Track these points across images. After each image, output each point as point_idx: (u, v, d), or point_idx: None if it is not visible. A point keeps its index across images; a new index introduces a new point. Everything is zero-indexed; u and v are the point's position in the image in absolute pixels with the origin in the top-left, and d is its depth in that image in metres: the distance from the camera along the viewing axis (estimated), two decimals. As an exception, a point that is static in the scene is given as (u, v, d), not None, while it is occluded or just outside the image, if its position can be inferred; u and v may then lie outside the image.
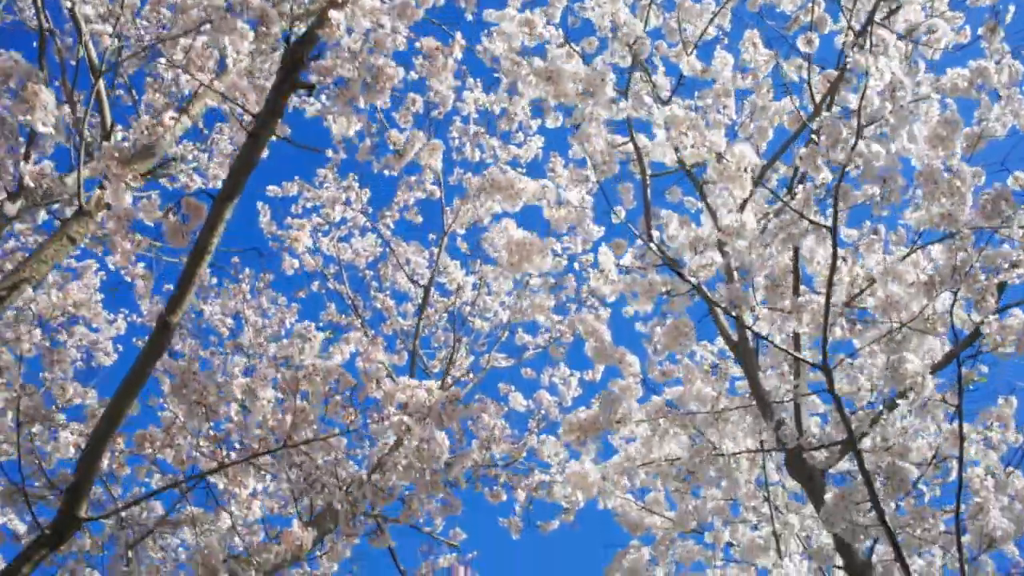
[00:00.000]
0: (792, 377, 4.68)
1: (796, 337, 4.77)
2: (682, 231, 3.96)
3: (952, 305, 4.09)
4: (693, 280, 3.88)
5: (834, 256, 4.01)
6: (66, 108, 4.69)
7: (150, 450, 3.71)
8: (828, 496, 3.90)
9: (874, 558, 4.92)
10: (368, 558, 9.13)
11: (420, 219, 8.30)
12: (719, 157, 3.95)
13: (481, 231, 8.61)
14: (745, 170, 4.01)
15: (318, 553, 5.44)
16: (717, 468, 4.38)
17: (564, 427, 4.25)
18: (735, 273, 4.27)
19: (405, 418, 3.66)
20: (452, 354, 7.18)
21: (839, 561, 5.16)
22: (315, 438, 3.68)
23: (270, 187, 8.35)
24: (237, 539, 4.18)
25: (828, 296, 3.97)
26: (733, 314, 3.97)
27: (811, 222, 3.98)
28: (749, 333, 4.43)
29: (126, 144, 4.73)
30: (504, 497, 7.22)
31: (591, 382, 9.10)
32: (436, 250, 7.86)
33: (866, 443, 4.18)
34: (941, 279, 4.00)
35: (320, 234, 8.89)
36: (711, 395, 4.07)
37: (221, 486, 4.08)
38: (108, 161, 3.69)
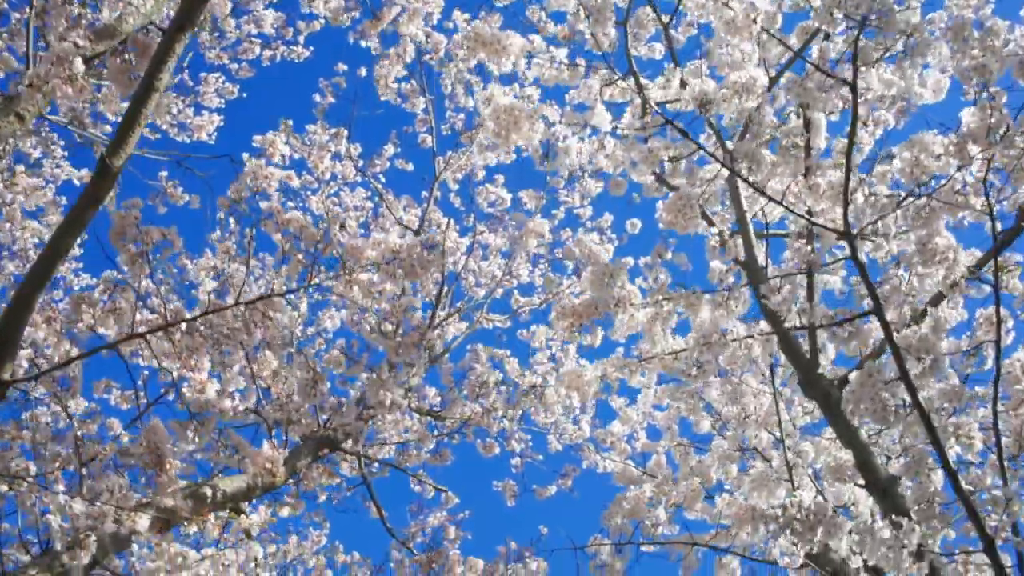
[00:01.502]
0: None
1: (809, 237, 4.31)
2: (685, 87, 3.51)
3: (986, 172, 3.64)
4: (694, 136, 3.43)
5: (854, 115, 3.56)
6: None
7: (88, 317, 3.24)
8: (853, 375, 3.41)
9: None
10: (357, 518, 8.58)
11: (411, 166, 7.86)
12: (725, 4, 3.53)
13: (475, 185, 8.19)
14: (754, 20, 3.58)
15: (291, 483, 4.95)
16: (726, 359, 3.89)
17: (556, 313, 3.77)
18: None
19: (375, 276, 3.20)
20: (438, 303, 6.69)
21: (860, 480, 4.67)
22: (269, 294, 3.19)
23: (256, 136, 7.89)
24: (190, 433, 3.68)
25: (849, 156, 3.51)
26: (743, 176, 3.50)
27: (828, 75, 3.53)
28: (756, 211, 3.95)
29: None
30: (497, 449, 6.71)
31: (590, 347, 8.59)
32: (427, 196, 7.40)
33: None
34: (974, 138, 3.54)
35: (309, 192, 8.46)
36: (719, 269, 3.59)
37: (175, 372, 3.60)
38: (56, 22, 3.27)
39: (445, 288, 7.74)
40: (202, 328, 3.34)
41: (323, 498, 4.52)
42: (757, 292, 5.17)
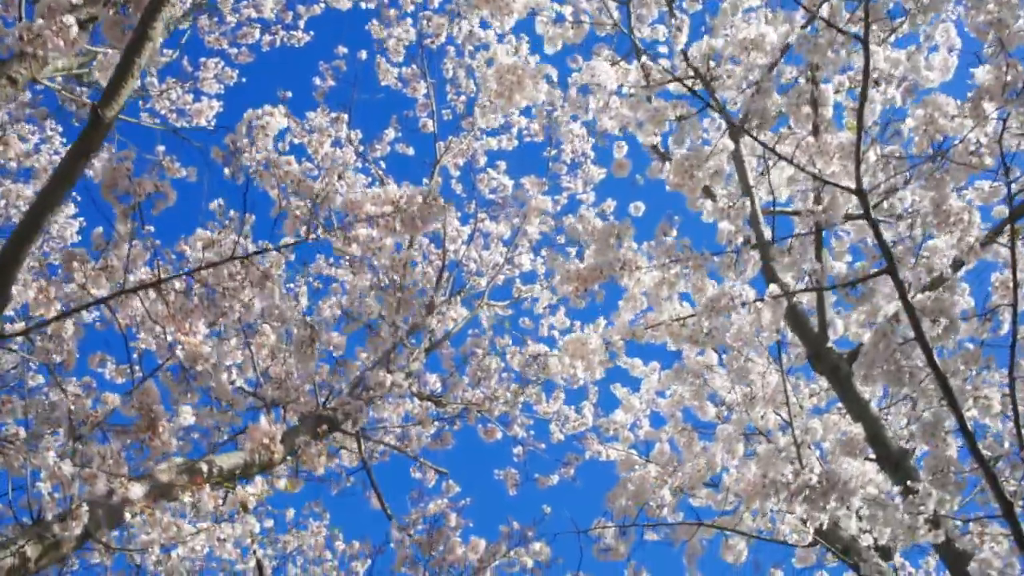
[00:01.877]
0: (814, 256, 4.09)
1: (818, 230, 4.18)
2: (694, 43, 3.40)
3: (1002, 132, 3.53)
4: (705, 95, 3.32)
5: (866, 72, 3.45)
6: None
7: (80, 275, 3.13)
8: (867, 336, 3.30)
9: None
10: (357, 509, 8.46)
11: (412, 151, 7.75)
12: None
13: (477, 171, 8.08)
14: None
15: (290, 459, 4.83)
16: (734, 336, 3.78)
17: (560, 276, 3.66)
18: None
19: (374, 231, 3.09)
20: (437, 287, 6.56)
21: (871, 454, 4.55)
22: (266, 248, 3.08)
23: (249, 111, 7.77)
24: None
25: (860, 114, 3.41)
26: (753, 134, 3.39)
27: (839, 30, 3.42)
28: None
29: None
30: (499, 435, 6.59)
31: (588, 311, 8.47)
32: (427, 182, 7.29)
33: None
34: (989, 95, 3.44)
35: (309, 179, 8.33)
36: (728, 230, 3.48)
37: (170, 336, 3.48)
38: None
39: (445, 274, 7.65)
40: (197, 289, 3.23)
41: (321, 471, 4.39)
42: (765, 268, 5.07)
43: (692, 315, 3.72)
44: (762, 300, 3.52)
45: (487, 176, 7.99)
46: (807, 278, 3.54)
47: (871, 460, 4.26)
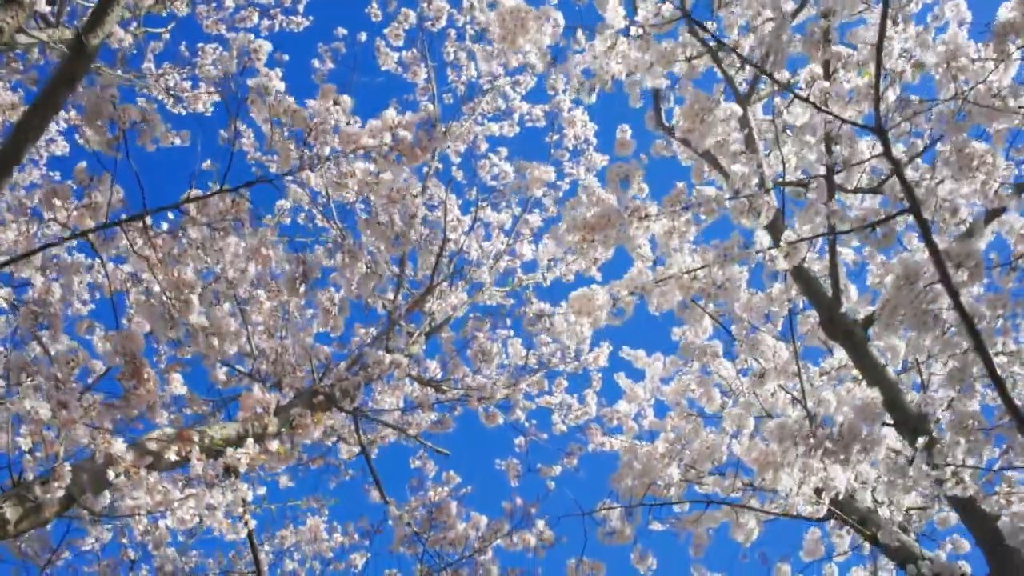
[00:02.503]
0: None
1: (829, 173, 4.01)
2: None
3: (1026, 72, 3.37)
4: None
5: (884, 9, 3.30)
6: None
7: (62, 212, 2.95)
8: (888, 279, 3.12)
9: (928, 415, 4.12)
10: (356, 504, 8.26)
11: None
12: None
13: (478, 157, 7.92)
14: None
15: (283, 431, 4.63)
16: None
17: (567, 224, 3.48)
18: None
19: (371, 165, 2.92)
20: (435, 270, 6.38)
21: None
22: (257, 180, 2.91)
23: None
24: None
25: (879, 51, 3.24)
26: (767, 72, 3.22)
27: (857, -35, 3.27)
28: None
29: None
30: (500, 420, 6.38)
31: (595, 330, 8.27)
32: (427, 163, 7.12)
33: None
34: (1014, 31, 3.28)
35: (309, 169, 8.17)
36: (741, 172, 3.31)
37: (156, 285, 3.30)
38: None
39: (445, 259, 7.47)
40: (185, 231, 3.06)
41: (316, 436, 4.19)
42: (774, 238, 4.90)
43: (703, 266, 3.55)
44: (776, 247, 3.35)
45: (488, 162, 7.83)
46: (826, 221, 3.35)
47: (889, 425, 4.07)
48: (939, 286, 3.06)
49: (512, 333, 8.03)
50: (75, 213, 2.97)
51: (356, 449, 7.45)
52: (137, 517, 3.75)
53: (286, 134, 3.02)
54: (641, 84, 3.49)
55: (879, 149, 3.16)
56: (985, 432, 3.31)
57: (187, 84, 7.86)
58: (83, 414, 3.04)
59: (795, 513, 4.70)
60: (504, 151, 7.86)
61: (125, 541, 7.19)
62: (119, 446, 3.20)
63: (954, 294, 3.02)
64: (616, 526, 5.58)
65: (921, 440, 3.32)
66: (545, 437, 7.71)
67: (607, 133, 8.37)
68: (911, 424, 3.93)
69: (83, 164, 2.92)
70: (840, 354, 5.90)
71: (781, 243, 3.35)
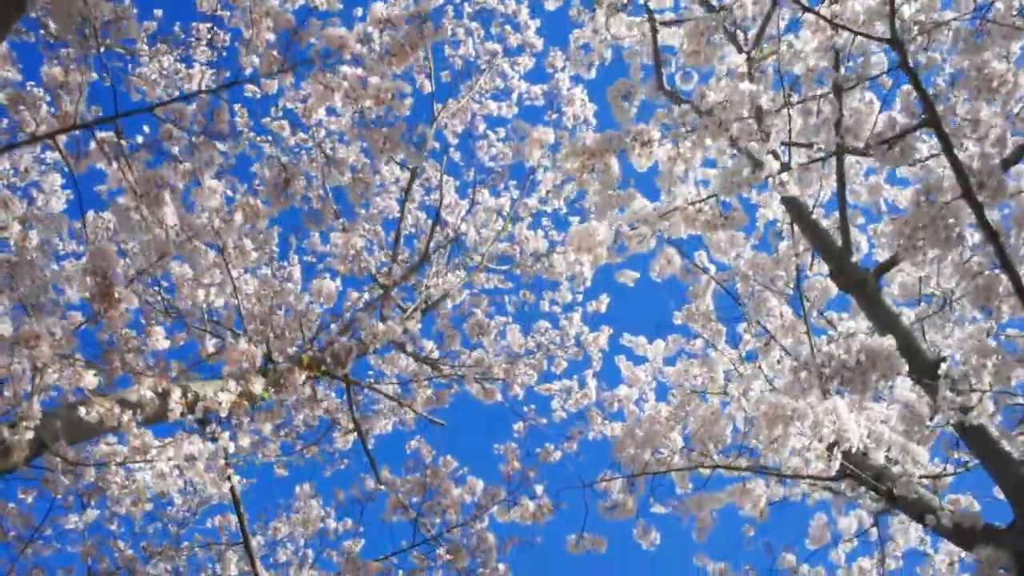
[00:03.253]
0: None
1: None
2: None
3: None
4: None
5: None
6: None
7: (28, 116, 2.75)
8: (908, 194, 2.92)
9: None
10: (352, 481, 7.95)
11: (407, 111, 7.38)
12: None
13: (476, 139, 7.74)
14: None
15: (273, 391, 4.41)
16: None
17: (565, 151, 3.28)
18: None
19: (359, 71, 2.72)
20: (430, 239, 6.17)
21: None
22: (235, 81, 2.71)
23: (249, 86, 7.44)
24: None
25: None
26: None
27: None
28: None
29: None
30: (498, 395, 6.14)
31: (595, 313, 8.07)
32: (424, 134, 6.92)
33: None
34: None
35: (304, 151, 8.01)
36: (749, 90, 3.11)
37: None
38: None
39: (441, 237, 7.27)
40: (162, 146, 2.86)
41: (304, 394, 3.97)
42: (782, 198, 4.70)
43: (710, 196, 3.34)
44: (788, 170, 3.14)
45: (486, 143, 7.65)
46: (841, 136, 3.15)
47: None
48: (962, 203, 2.86)
49: (511, 320, 7.83)
50: (43, 128, 2.77)
51: (351, 437, 7.22)
52: (114, 468, 3.51)
53: (269, 38, 2.83)
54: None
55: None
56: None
57: (181, 65, 7.70)
58: (51, 341, 2.82)
59: (806, 474, 4.44)
60: (502, 132, 7.69)
61: (114, 528, 6.95)
62: (90, 379, 2.98)
63: (978, 208, 2.82)
64: (618, 499, 5.34)
65: (944, 365, 3.10)
66: (544, 422, 7.48)
67: (606, 112, 8.18)
68: (928, 371, 3.71)
69: (58, 69, 2.73)
70: (848, 324, 5.70)
71: (792, 166, 3.15)
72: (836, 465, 4.04)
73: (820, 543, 7.62)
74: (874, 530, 7.46)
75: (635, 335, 7.39)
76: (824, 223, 4.93)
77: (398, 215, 6.67)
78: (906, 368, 2.88)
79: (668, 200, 3.47)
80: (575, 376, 7.42)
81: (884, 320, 3.97)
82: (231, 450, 3.61)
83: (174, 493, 7.91)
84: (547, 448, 7.00)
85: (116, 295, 2.79)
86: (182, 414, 3.41)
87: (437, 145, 7.45)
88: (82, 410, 3.07)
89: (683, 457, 5.09)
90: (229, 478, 3.74)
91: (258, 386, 3.43)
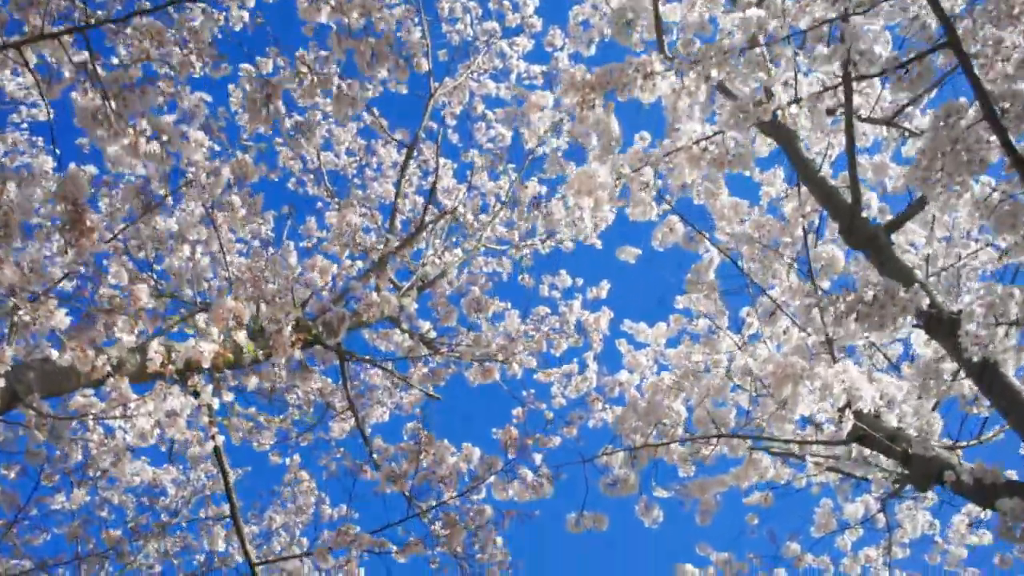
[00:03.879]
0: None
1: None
2: None
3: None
4: None
5: None
6: None
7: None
8: (927, 120, 2.73)
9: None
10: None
11: (405, 89, 7.22)
12: None
13: (474, 120, 7.57)
14: None
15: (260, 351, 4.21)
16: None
17: (564, 84, 3.10)
18: None
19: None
20: (425, 214, 5.97)
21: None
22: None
23: (244, 65, 7.27)
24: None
25: None
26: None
27: None
28: None
29: None
30: (496, 374, 5.94)
31: (595, 299, 7.88)
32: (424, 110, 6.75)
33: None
34: None
35: (298, 135, 7.84)
36: (756, 16, 2.93)
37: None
38: None
39: (442, 222, 7.09)
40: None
41: (293, 355, 3.78)
42: (789, 151, 4.52)
43: (716, 133, 3.16)
44: (799, 101, 2.96)
45: (484, 124, 7.48)
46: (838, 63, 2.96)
47: (918, 328, 3.66)
48: (984, 127, 2.68)
49: (509, 305, 7.64)
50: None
51: (347, 426, 7.01)
52: (92, 424, 3.31)
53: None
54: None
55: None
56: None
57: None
58: (17, 274, 2.63)
59: (814, 439, 4.24)
60: (501, 112, 7.51)
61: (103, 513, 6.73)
62: (60, 318, 2.79)
63: (1001, 131, 2.64)
64: (619, 475, 5.13)
65: (968, 298, 2.91)
66: (544, 407, 7.27)
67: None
68: (943, 324, 3.52)
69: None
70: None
71: (802, 98, 2.96)
72: (848, 427, 3.85)
73: (826, 530, 7.41)
74: (881, 516, 7.24)
75: (636, 322, 7.22)
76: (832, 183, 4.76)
77: (395, 199, 6.49)
78: (926, 300, 2.68)
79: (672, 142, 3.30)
80: (575, 359, 7.24)
81: (897, 276, 3.76)
82: (215, 406, 3.41)
83: (167, 484, 7.73)
84: (546, 426, 6.80)
85: (88, 222, 2.60)
86: (162, 365, 3.21)
87: (435, 125, 7.30)
88: (54, 353, 2.88)
89: (687, 431, 4.89)
90: (213, 437, 3.55)
91: (242, 336, 3.23)
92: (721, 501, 5.70)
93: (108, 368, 2.88)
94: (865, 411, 3.70)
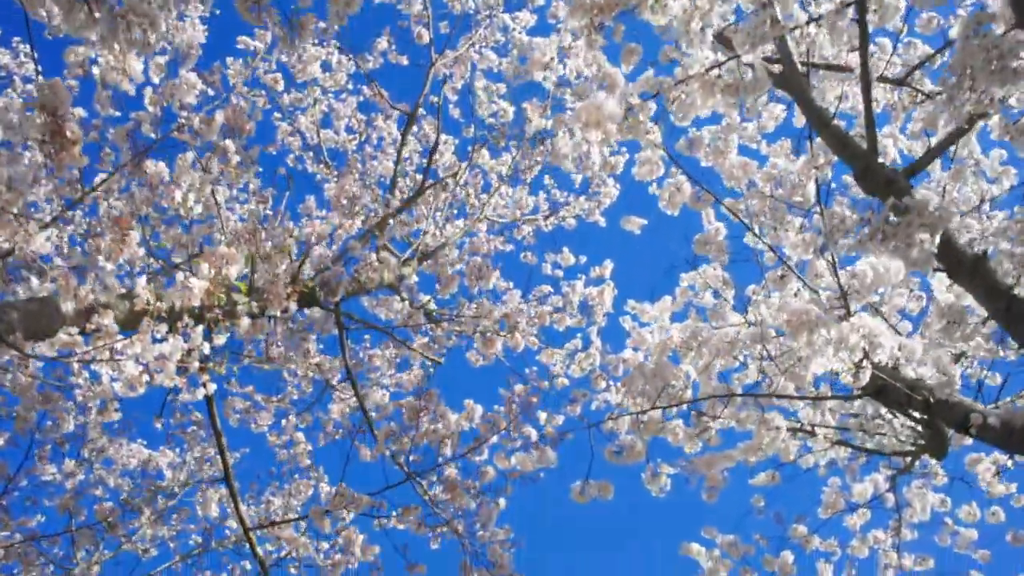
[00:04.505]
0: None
1: None
2: None
3: None
4: None
5: None
6: None
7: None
8: (955, 31, 2.56)
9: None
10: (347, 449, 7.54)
11: (406, 60, 7.08)
12: None
13: (476, 96, 7.40)
14: None
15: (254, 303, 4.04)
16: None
17: (573, 5, 2.93)
18: None
19: None
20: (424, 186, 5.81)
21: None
22: None
23: (240, 37, 7.13)
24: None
25: None
26: None
27: None
28: None
29: None
30: (499, 346, 5.76)
31: (599, 279, 7.71)
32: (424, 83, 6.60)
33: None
34: None
35: (298, 112, 7.69)
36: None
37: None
38: None
39: (444, 195, 6.94)
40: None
41: (290, 309, 3.56)
42: (802, 108, 4.36)
43: (730, 58, 3.00)
44: (815, 20, 2.80)
45: (486, 100, 7.32)
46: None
47: (939, 271, 3.49)
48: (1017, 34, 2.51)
49: (511, 284, 7.48)
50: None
51: (345, 408, 6.84)
52: (77, 368, 3.14)
53: None
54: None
55: None
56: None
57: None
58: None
59: (830, 394, 4.06)
60: (503, 87, 7.36)
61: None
62: (40, 242, 2.62)
63: (1036, 36, 2.47)
64: (626, 441, 4.95)
65: (996, 223, 2.74)
66: (547, 384, 7.11)
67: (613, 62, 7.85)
68: (966, 265, 3.35)
69: None
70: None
71: (823, 16, 2.80)
72: (865, 378, 3.67)
73: (834, 510, 7.23)
74: (890, 496, 7.06)
75: (640, 302, 7.06)
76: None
77: (395, 165, 6.33)
78: (956, 216, 2.51)
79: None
80: (579, 335, 7.06)
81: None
82: (205, 349, 3.24)
83: (164, 467, 7.55)
84: (550, 417, 6.62)
85: (69, 133, 2.44)
86: (147, 303, 3.04)
87: (436, 99, 7.14)
88: (34, 281, 2.71)
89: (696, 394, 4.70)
90: (205, 385, 3.37)
91: (234, 270, 3.06)
92: (728, 477, 5.52)
93: (92, 297, 2.70)
94: (883, 363, 3.52)
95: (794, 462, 6.80)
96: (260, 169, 5.04)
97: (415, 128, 6.79)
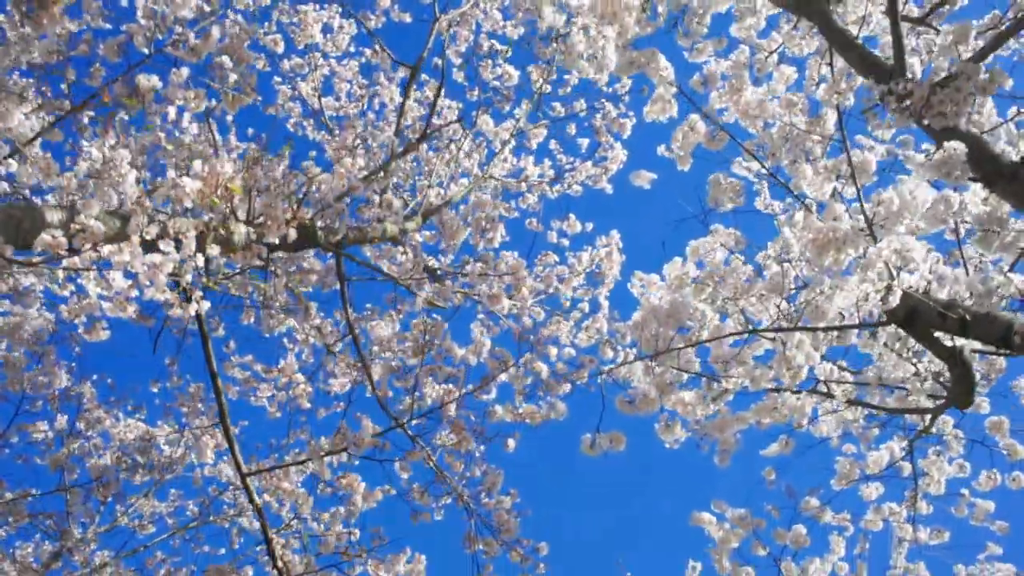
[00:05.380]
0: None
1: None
2: None
3: None
4: None
5: None
6: None
7: None
8: None
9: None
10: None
11: (409, 17, 6.89)
12: None
13: (479, 58, 7.21)
14: None
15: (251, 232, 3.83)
16: None
17: None
18: None
19: None
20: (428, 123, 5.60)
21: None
22: None
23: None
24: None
25: None
26: None
27: None
28: None
29: None
30: (503, 302, 5.52)
31: (605, 247, 7.49)
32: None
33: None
34: None
35: (298, 78, 7.50)
36: None
37: None
38: None
39: (447, 155, 6.74)
40: None
41: (289, 243, 3.36)
42: (823, 31, 4.17)
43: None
44: None
45: (490, 63, 7.12)
46: None
47: (973, 180, 3.28)
48: None
49: (516, 255, 7.25)
50: None
51: (347, 380, 6.62)
52: (62, 279, 2.93)
53: None
54: None
55: None
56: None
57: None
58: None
59: (859, 322, 3.82)
60: (508, 51, 7.15)
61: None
62: (19, 118, 2.41)
63: None
64: (639, 389, 4.72)
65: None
66: (555, 350, 6.87)
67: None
68: (1004, 173, 3.14)
69: None
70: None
71: None
72: (895, 300, 3.46)
73: (848, 480, 6.97)
74: (906, 465, 6.81)
75: (647, 272, 6.85)
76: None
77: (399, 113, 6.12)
78: (1010, 80, 2.31)
79: None
80: (585, 302, 6.83)
81: (953, 138, 3.40)
82: (199, 264, 3.02)
83: (161, 442, 7.32)
84: (556, 385, 6.39)
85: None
86: (137, 200, 2.82)
87: (439, 62, 6.94)
88: (13, 164, 2.50)
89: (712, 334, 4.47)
90: (197, 300, 3.15)
91: (229, 167, 2.85)
92: (740, 439, 5.30)
93: (75, 182, 2.49)
94: (914, 288, 3.32)
95: (806, 428, 6.56)
96: (259, 98, 4.84)
97: (416, 91, 6.59)
